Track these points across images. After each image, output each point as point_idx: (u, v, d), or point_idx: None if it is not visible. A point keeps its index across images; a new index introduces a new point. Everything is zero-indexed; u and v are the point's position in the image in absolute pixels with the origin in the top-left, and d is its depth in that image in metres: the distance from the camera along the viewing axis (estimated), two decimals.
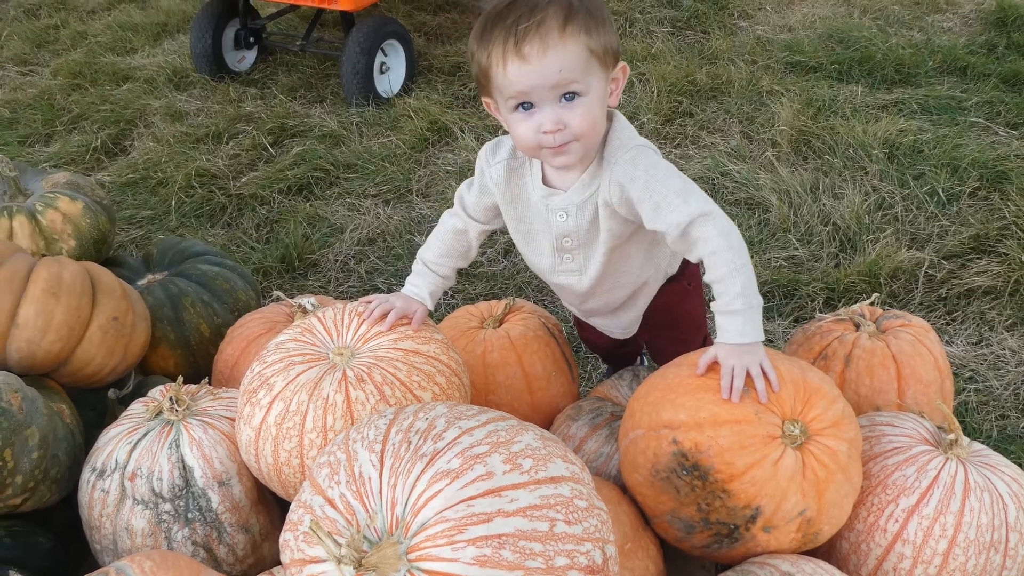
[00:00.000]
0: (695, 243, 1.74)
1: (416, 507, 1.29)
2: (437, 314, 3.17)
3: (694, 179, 3.85)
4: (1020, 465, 2.49)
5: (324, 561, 1.33)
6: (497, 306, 2.37)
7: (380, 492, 1.34)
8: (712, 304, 1.77)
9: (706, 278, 1.79)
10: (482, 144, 4.22)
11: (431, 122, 4.36)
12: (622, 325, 2.23)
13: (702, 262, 1.77)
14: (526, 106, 1.69)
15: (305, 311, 2.35)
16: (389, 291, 3.37)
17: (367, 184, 4.02)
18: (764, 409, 1.66)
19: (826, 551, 1.84)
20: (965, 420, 2.70)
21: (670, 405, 1.72)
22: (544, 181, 1.90)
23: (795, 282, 3.25)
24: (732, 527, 1.67)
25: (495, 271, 3.43)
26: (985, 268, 3.23)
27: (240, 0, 4.71)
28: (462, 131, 4.34)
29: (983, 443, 2.59)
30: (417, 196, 3.94)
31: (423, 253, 2.13)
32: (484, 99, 1.82)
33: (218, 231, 3.80)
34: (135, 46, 5.65)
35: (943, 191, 3.62)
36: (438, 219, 3.51)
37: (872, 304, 2.34)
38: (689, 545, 1.76)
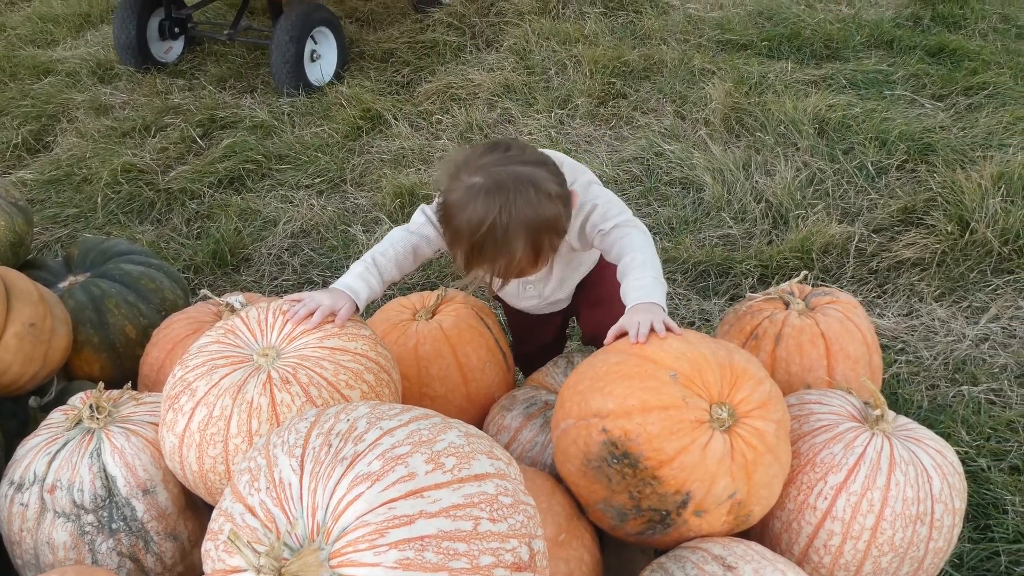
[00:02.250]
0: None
1: (337, 512, 1.27)
2: (372, 306, 3.13)
3: (629, 160, 3.86)
4: (948, 434, 2.55)
5: (245, 571, 1.30)
6: (429, 297, 2.34)
7: (301, 498, 1.31)
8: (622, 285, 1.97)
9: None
10: (417, 130, 4.19)
11: (364, 110, 4.30)
12: (553, 303, 2.38)
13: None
14: None
15: (233, 310, 2.30)
16: (324, 284, 3.34)
17: (300, 175, 3.95)
18: (691, 394, 1.67)
19: (759, 531, 1.86)
20: (897, 392, 2.74)
21: (599, 393, 1.71)
22: None
23: (729, 260, 3.27)
24: (664, 513, 1.67)
25: (431, 260, 3.39)
26: (913, 240, 3.28)
27: None
28: (395, 118, 4.28)
29: (914, 414, 2.65)
30: (351, 185, 3.89)
31: (375, 254, 2.07)
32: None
33: (147, 228, 3.71)
34: (56, 38, 5.49)
35: (872, 165, 3.67)
36: (372, 208, 3.48)
37: (802, 281, 2.35)
38: (623, 533, 1.76)
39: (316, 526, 1.28)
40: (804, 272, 2.40)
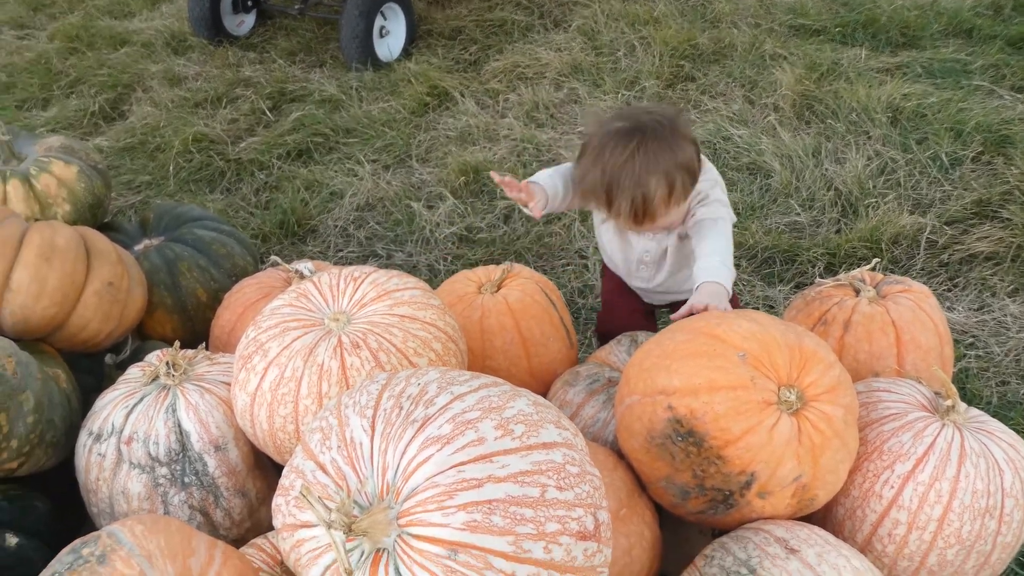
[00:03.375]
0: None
1: (407, 472, 1.29)
2: (436, 280, 3.16)
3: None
4: (1019, 432, 2.49)
5: (315, 526, 1.33)
6: (495, 271, 2.35)
7: (371, 457, 1.33)
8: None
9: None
10: (483, 108, 4.20)
11: (431, 87, 4.33)
12: (661, 293, 2.48)
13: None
14: None
15: (302, 276, 2.33)
16: (388, 256, 3.39)
17: (367, 149, 3.99)
18: (760, 375, 1.66)
19: (822, 517, 1.84)
20: (966, 386, 2.69)
21: (665, 371, 1.71)
22: None
23: (796, 248, 3.23)
24: (727, 493, 1.66)
25: (495, 236, 3.41)
26: (987, 233, 3.20)
27: None
28: (462, 95, 4.30)
29: (983, 410, 2.59)
30: (417, 161, 3.91)
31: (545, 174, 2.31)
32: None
33: (217, 196, 3.78)
34: (133, 10, 5.60)
35: (946, 156, 3.58)
36: (437, 184, 3.51)
37: (873, 269, 2.31)
38: (684, 511, 1.76)
39: (386, 486, 1.30)
40: (875, 260, 2.36)
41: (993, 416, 2.53)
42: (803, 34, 4.59)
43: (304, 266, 2.36)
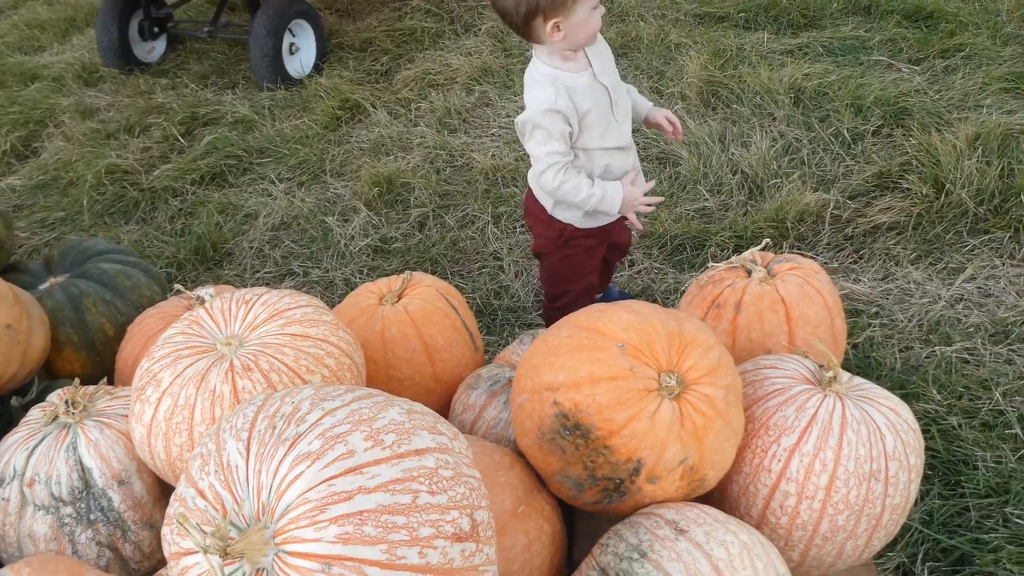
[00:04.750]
0: None
1: (280, 491, 1.31)
2: (340, 293, 3.17)
3: None
4: (920, 394, 2.57)
5: (196, 552, 1.35)
6: (396, 281, 2.38)
7: (247, 479, 1.35)
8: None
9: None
10: (395, 118, 4.21)
11: (343, 100, 4.34)
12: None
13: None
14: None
15: (203, 302, 2.34)
16: (305, 275, 3.39)
17: (280, 168, 3.99)
18: (639, 363, 1.70)
19: (719, 496, 1.89)
20: (871, 355, 2.76)
21: (550, 367, 1.75)
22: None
23: (705, 233, 3.29)
24: (618, 481, 1.70)
25: (409, 245, 3.44)
26: (889, 204, 3.29)
27: None
28: (374, 107, 4.31)
29: (887, 376, 2.68)
30: (331, 176, 3.92)
31: (591, 189, 2.39)
32: (552, 21, 2.16)
33: (132, 227, 3.76)
34: (43, 44, 5.54)
35: (848, 131, 3.67)
36: (352, 198, 3.52)
37: (765, 249, 2.37)
38: (582, 502, 1.80)
39: (262, 506, 1.32)
40: (766, 240, 2.42)
41: (896, 381, 2.63)
42: (708, 22, 4.67)
43: (205, 292, 2.36)
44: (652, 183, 2.53)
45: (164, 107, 4.57)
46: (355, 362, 1.96)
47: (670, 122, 2.61)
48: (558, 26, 2.17)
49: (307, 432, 1.35)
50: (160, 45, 5.11)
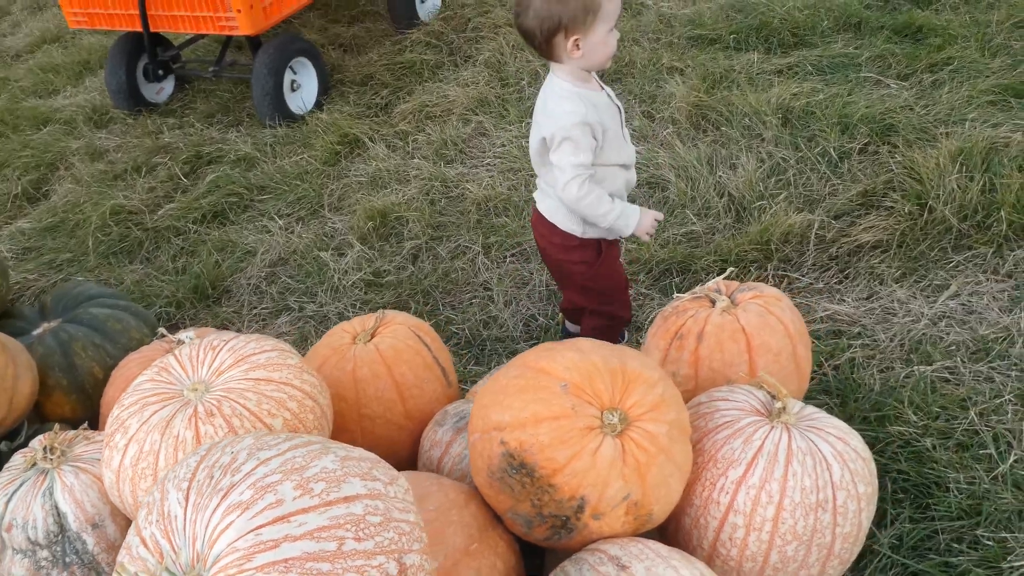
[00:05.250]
0: None
1: (211, 540, 1.37)
2: (319, 332, 3.23)
3: None
4: (896, 416, 2.57)
5: None
6: (369, 320, 2.44)
7: (184, 528, 1.41)
8: None
9: None
10: (393, 151, 4.29)
11: (342, 135, 4.42)
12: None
13: None
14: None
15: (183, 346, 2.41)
16: (300, 310, 3.47)
17: (280, 204, 4.08)
18: (582, 402, 1.74)
19: (674, 528, 1.92)
20: (851, 376, 2.77)
21: (497, 407, 1.79)
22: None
23: (691, 257, 3.32)
24: (564, 518, 1.74)
25: (402, 278, 3.50)
26: (873, 223, 3.30)
27: (144, 34, 4.74)
28: (372, 141, 4.40)
29: (865, 398, 2.68)
30: (329, 211, 4.01)
31: (612, 206, 2.46)
32: (573, 38, 2.29)
33: (136, 267, 3.86)
34: (57, 87, 5.71)
35: (834, 150, 3.68)
36: (349, 232, 3.59)
37: (728, 278, 2.41)
38: (534, 538, 1.84)
39: (196, 555, 1.38)
40: (730, 269, 2.46)
41: (874, 403, 2.64)
42: (701, 44, 4.70)
43: (186, 335, 2.44)
44: (662, 214, 2.62)
45: (171, 146, 4.69)
46: (319, 404, 2.02)
47: None
48: (578, 44, 2.29)
49: (240, 482, 1.41)
50: (168, 86, 5.24)
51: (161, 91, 5.21)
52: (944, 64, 4.06)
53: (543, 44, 2.35)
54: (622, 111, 2.52)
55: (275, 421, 1.91)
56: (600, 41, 2.31)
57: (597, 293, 2.69)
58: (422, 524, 1.54)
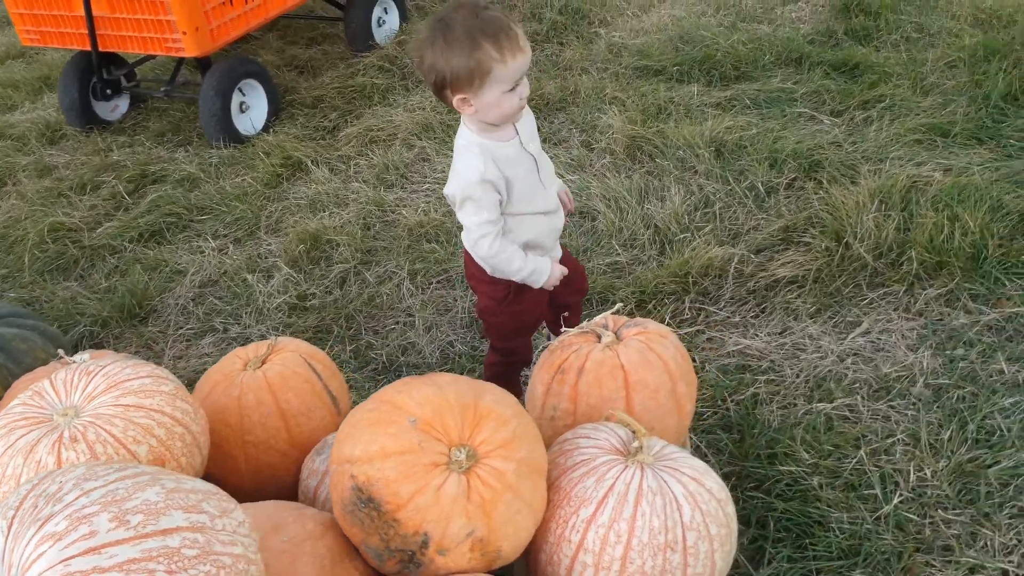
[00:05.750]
0: None
1: (23, 569, 1.38)
2: (211, 357, 3.24)
3: None
4: (788, 454, 2.60)
5: None
6: (262, 347, 2.46)
7: (4, 557, 1.43)
8: None
9: None
10: (335, 174, 4.32)
11: (285, 158, 4.45)
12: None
13: None
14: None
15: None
16: (225, 331, 3.48)
17: (218, 224, 4.11)
18: (430, 438, 1.76)
19: (532, 565, 1.94)
20: (753, 412, 2.80)
21: (350, 440, 1.81)
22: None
23: (611, 288, 3.35)
24: (410, 553, 1.76)
25: (327, 302, 3.52)
26: (790, 259, 3.33)
27: (92, 53, 4.77)
28: (315, 163, 4.43)
29: (762, 434, 2.71)
30: (265, 232, 4.03)
31: (524, 263, 2.44)
32: (459, 96, 2.20)
33: (70, 284, 3.88)
34: (16, 102, 5.74)
35: (762, 184, 3.72)
36: (283, 254, 3.60)
37: (617, 313, 2.43)
38: (386, 571, 1.85)
39: None
40: (618, 304, 2.48)
41: (770, 440, 2.66)
42: (646, 75, 4.75)
43: (80, 357, 2.46)
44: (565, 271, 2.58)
45: (118, 164, 4.72)
46: (190, 431, 2.04)
47: (568, 197, 2.70)
48: (467, 101, 2.21)
49: (59, 512, 1.43)
50: (123, 104, 5.27)
51: (115, 109, 5.24)
52: (877, 101, 4.11)
53: (436, 95, 2.29)
54: (536, 158, 2.41)
55: (140, 448, 1.92)
56: (493, 102, 2.20)
57: (496, 328, 2.70)
58: (254, 557, 1.56)
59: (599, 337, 2.33)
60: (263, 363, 2.42)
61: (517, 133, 2.36)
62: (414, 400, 1.81)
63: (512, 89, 2.19)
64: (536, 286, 2.50)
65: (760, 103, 4.29)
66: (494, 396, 1.86)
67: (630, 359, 2.23)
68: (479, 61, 2.12)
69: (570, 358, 2.28)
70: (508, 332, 2.71)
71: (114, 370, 2.06)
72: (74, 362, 2.46)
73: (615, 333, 2.33)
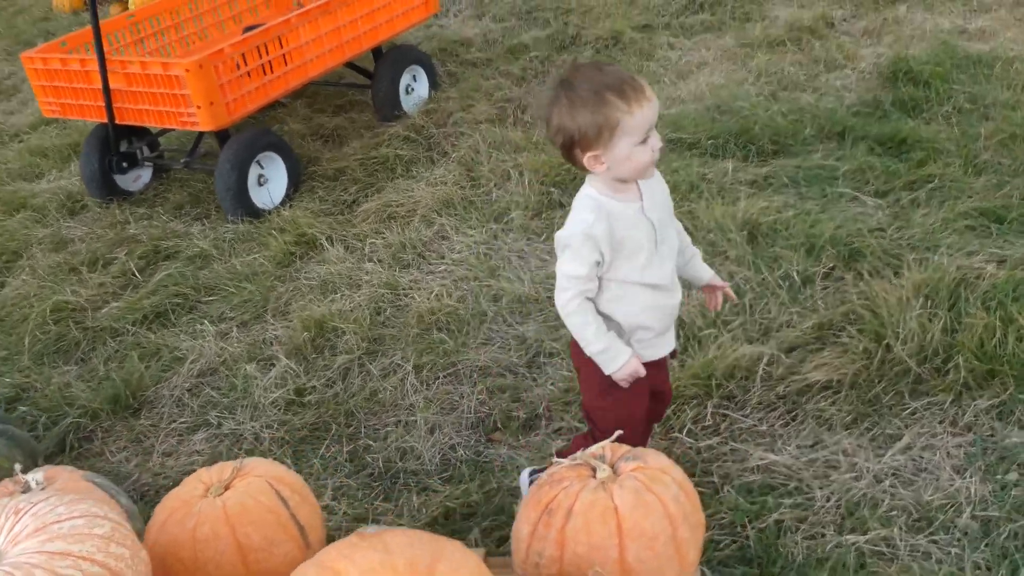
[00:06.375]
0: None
1: None
2: (247, 449, 3.00)
3: (553, 276, 3.73)
4: None
5: None
6: (227, 469, 2.25)
7: None
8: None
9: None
10: (351, 252, 4.15)
11: (299, 235, 4.29)
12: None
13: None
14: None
15: (29, 488, 2.25)
16: (219, 425, 3.30)
17: (224, 307, 3.95)
18: None
19: None
20: (776, 543, 2.50)
21: None
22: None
23: None
24: None
25: (326, 397, 3.32)
26: (826, 360, 3.04)
27: (108, 126, 4.69)
28: (330, 240, 4.26)
29: (783, 571, 2.41)
30: (273, 316, 3.85)
31: (599, 335, 2.26)
32: (589, 154, 2.12)
33: (70, 368, 3.74)
34: (43, 170, 5.70)
35: (798, 274, 3.44)
36: (288, 341, 3.41)
37: (616, 441, 2.18)
38: None
39: None
40: (618, 431, 2.22)
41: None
42: (679, 148, 4.51)
43: (32, 477, 2.27)
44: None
45: (133, 239, 4.60)
46: None
47: (716, 290, 2.60)
48: (598, 158, 2.13)
49: None
50: (146, 174, 5.18)
51: (138, 179, 5.15)
52: (925, 181, 3.81)
53: (565, 157, 2.22)
54: (656, 226, 2.26)
55: None
56: (624, 156, 2.11)
57: (600, 418, 2.47)
58: None
59: (594, 470, 2.08)
60: (226, 488, 2.21)
61: (641, 198, 2.25)
62: (358, 568, 1.57)
63: (643, 141, 2.11)
64: (606, 370, 2.29)
65: (799, 181, 4.02)
66: (453, 562, 1.62)
67: (624, 501, 1.97)
68: (606, 116, 2.06)
69: (559, 496, 2.03)
70: (605, 424, 2.44)
71: (45, 509, 1.86)
72: (26, 481, 2.29)
73: (612, 467, 2.08)
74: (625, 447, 2.16)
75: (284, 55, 4.74)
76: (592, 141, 2.10)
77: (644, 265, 2.26)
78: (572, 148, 2.15)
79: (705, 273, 2.58)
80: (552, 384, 3.22)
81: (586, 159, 2.14)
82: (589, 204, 2.21)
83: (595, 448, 2.13)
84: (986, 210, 3.54)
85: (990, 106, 4.39)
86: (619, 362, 2.27)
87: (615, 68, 2.14)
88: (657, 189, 2.31)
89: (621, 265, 2.24)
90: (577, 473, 2.08)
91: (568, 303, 2.24)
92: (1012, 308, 2.95)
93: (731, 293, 2.61)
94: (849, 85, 4.93)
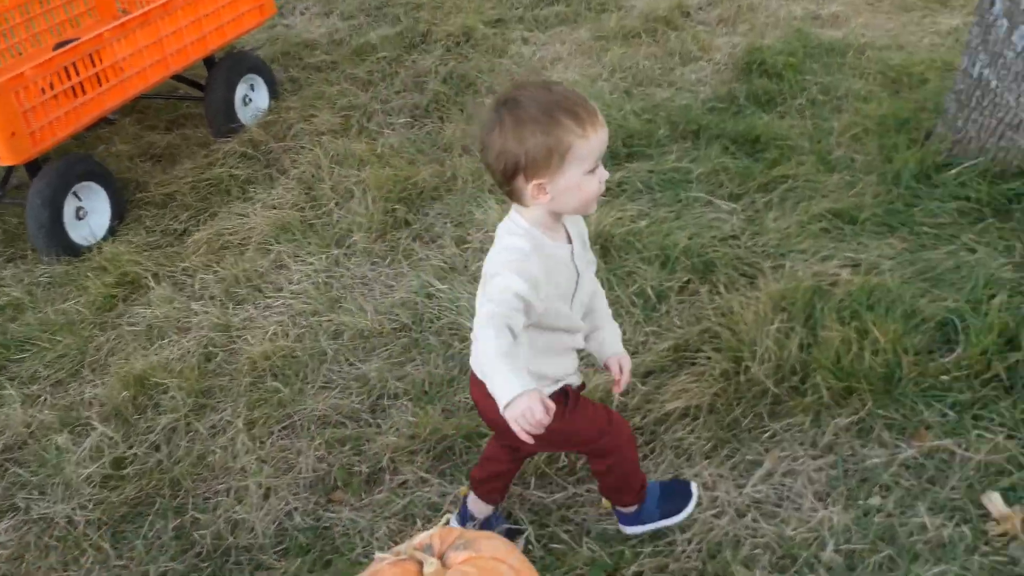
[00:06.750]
0: None
1: None
2: (57, 535, 2.70)
3: (397, 306, 3.45)
4: None
5: None
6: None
7: None
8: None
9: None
10: (180, 290, 3.79)
11: (121, 275, 3.90)
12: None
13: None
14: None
15: None
16: (27, 510, 2.92)
17: (37, 365, 3.54)
18: None
19: None
20: None
21: None
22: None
23: (478, 432, 2.86)
24: None
25: (148, 467, 2.97)
26: (683, 386, 2.87)
27: None
28: (156, 279, 3.89)
29: None
30: (92, 371, 3.47)
31: (497, 355, 1.81)
32: (534, 182, 1.88)
33: None
34: None
35: (652, 290, 3.27)
36: (106, 403, 3.05)
37: (447, 524, 1.94)
38: None
39: None
40: (447, 515, 1.98)
41: None
42: None
43: None
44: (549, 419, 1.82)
45: None
46: None
47: (621, 371, 2.30)
48: (543, 188, 1.89)
49: None
50: None
51: None
52: (779, 182, 3.69)
53: (503, 185, 1.95)
54: (581, 277, 2.09)
55: None
56: (573, 185, 1.89)
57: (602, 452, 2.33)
58: None
59: (421, 565, 1.83)
60: None
61: (570, 240, 2.06)
62: None
63: (592, 171, 1.91)
64: (499, 401, 1.79)
65: (652, 186, 3.84)
66: None
67: None
68: (558, 138, 1.85)
69: None
70: (614, 440, 2.33)
71: None
72: None
73: (440, 558, 1.84)
74: (456, 532, 1.92)
75: (98, 73, 4.32)
76: (540, 167, 1.86)
77: (555, 312, 2.04)
78: (515, 176, 1.89)
79: (611, 347, 2.30)
80: (396, 431, 2.96)
81: (530, 188, 1.89)
82: (521, 232, 1.95)
83: (420, 537, 1.89)
84: (839, 211, 3.43)
85: (843, 97, 4.31)
86: (514, 394, 1.76)
87: (564, 88, 1.94)
88: (582, 229, 2.13)
89: (536, 308, 1.95)
90: (402, 570, 1.84)
91: (490, 318, 1.84)
92: (867, 317, 2.84)
93: (626, 370, 2.30)
94: (704, 78, 4.80)
